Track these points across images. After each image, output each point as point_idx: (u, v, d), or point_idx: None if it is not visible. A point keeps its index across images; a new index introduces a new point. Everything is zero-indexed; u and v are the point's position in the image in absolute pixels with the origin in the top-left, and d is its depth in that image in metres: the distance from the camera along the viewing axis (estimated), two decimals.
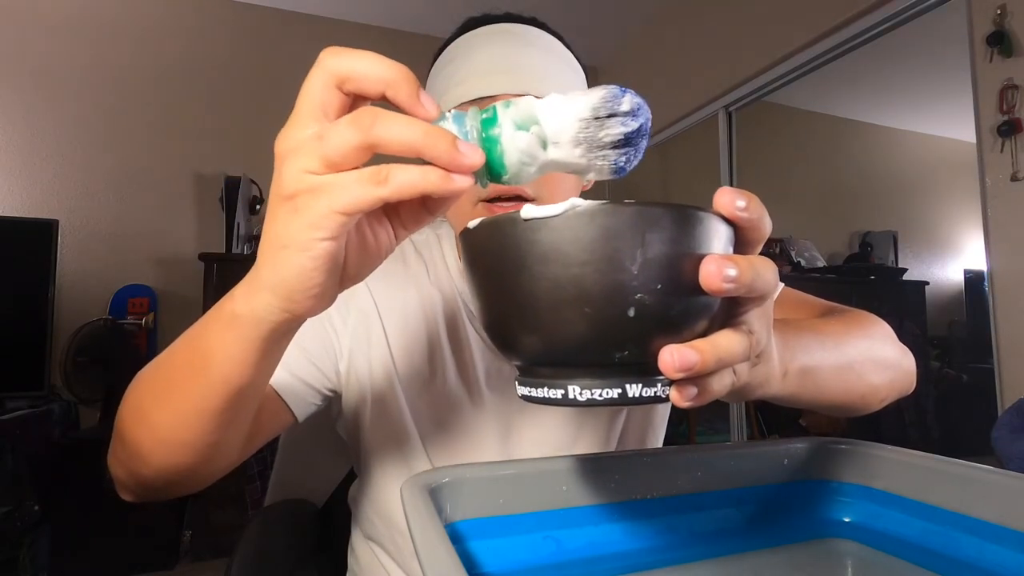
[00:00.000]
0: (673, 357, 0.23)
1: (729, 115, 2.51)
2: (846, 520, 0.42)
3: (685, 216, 0.23)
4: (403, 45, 3.04)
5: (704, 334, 0.25)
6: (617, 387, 0.24)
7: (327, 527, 0.75)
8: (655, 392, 0.25)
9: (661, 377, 0.24)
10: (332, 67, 0.28)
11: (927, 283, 3.57)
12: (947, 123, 3.68)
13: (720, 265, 0.23)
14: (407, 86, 0.29)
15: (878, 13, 1.83)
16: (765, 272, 0.25)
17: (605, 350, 0.23)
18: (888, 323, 0.52)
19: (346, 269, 0.30)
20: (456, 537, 0.32)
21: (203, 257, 2.17)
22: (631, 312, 0.22)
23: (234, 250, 2.30)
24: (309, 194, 0.27)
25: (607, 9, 2.79)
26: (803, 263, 3.43)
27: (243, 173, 2.42)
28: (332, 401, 0.58)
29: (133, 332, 2.30)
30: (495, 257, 0.24)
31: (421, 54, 2.58)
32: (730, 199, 0.25)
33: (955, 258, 3.85)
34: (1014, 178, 1.43)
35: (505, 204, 0.52)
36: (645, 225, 0.22)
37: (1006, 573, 0.32)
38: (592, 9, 2.80)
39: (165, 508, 2.04)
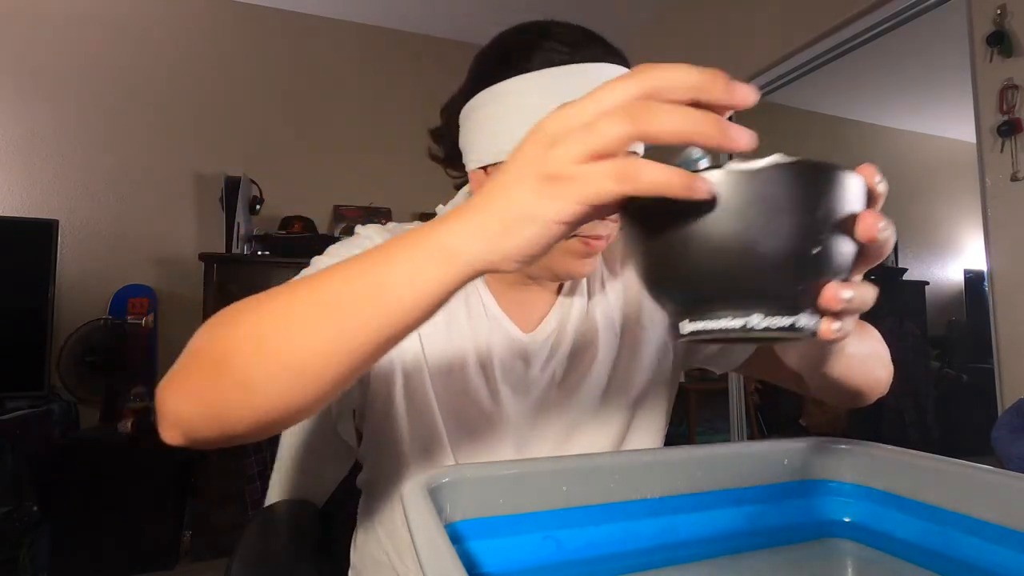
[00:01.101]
0: (837, 291, 0.28)
1: (729, 115, 2.51)
2: (846, 520, 0.42)
3: (854, 178, 0.30)
4: (403, 45, 3.04)
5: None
6: (790, 318, 0.28)
7: (327, 527, 0.75)
8: (814, 325, 0.29)
9: (815, 315, 0.29)
10: (649, 80, 0.27)
11: (927, 283, 3.57)
12: (947, 123, 3.68)
13: (876, 219, 0.28)
14: (719, 82, 0.28)
15: (878, 13, 1.83)
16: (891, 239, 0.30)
17: (788, 284, 0.28)
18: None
19: None
20: (456, 537, 0.32)
21: (203, 257, 2.17)
22: (814, 251, 0.27)
23: (234, 250, 2.30)
24: (568, 181, 0.28)
25: (606, 10, 2.79)
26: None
27: (243, 173, 2.42)
28: (350, 391, 0.57)
29: (133, 332, 2.30)
30: (710, 205, 0.27)
31: (421, 54, 2.58)
32: (871, 174, 0.31)
33: (955, 258, 3.86)
34: (1014, 178, 1.43)
35: (596, 241, 0.54)
36: (831, 180, 0.28)
37: (1006, 573, 0.32)
38: (591, 10, 2.80)
39: (165, 508, 2.04)
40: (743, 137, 0.27)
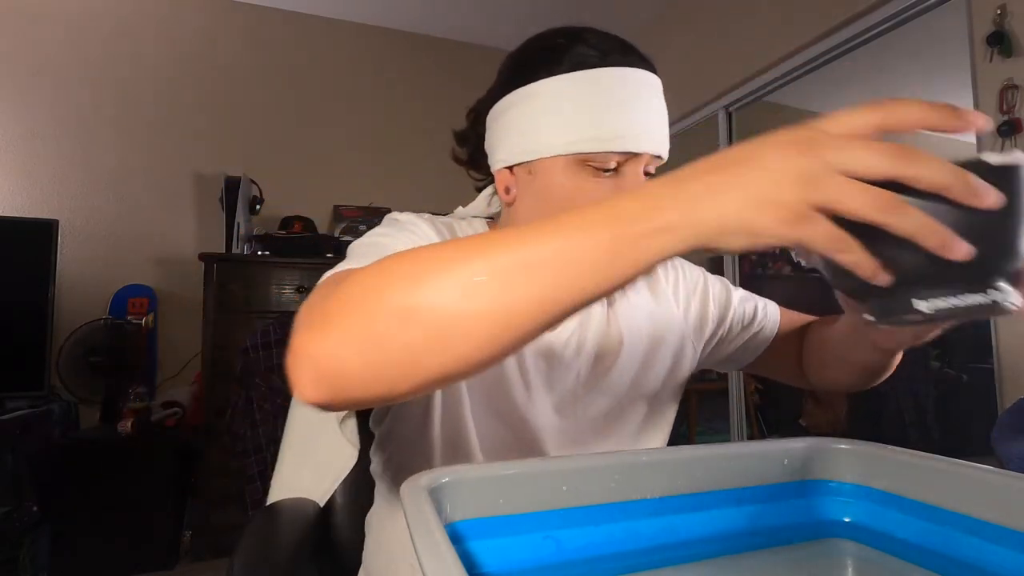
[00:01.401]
0: None
1: (729, 115, 2.51)
2: (846, 520, 0.42)
3: None
4: (403, 45, 3.04)
5: None
6: (1013, 294, 0.31)
7: (328, 527, 0.76)
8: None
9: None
10: (889, 114, 0.30)
11: None
12: None
13: None
14: (950, 113, 0.30)
15: (878, 13, 1.83)
16: None
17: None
18: None
19: None
20: (456, 537, 0.32)
21: (203, 257, 2.17)
22: None
23: (234, 250, 2.30)
24: (827, 187, 0.29)
25: (606, 9, 2.79)
26: (803, 263, 3.43)
27: (243, 173, 2.42)
28: None
29: (133, 332, 2.30)
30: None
31: (421, 54, 2.58)
32: None
33: None
34: None
35: None
36: None
37: (1006, 573, 0.32)
38: (591, 9, 2.80)
39: (165, 508, 2.04)
40: (990, 196, 0.28)
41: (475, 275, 0.33)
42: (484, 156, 0.65)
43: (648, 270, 0.32)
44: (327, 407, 0.37)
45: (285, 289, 2.27)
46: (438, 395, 0.58)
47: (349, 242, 2.52)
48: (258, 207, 2.52)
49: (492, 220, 0.69)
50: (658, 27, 2.89)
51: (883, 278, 0.30)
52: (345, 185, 2.85)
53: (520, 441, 0.60)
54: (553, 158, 0.56)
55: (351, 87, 2.93)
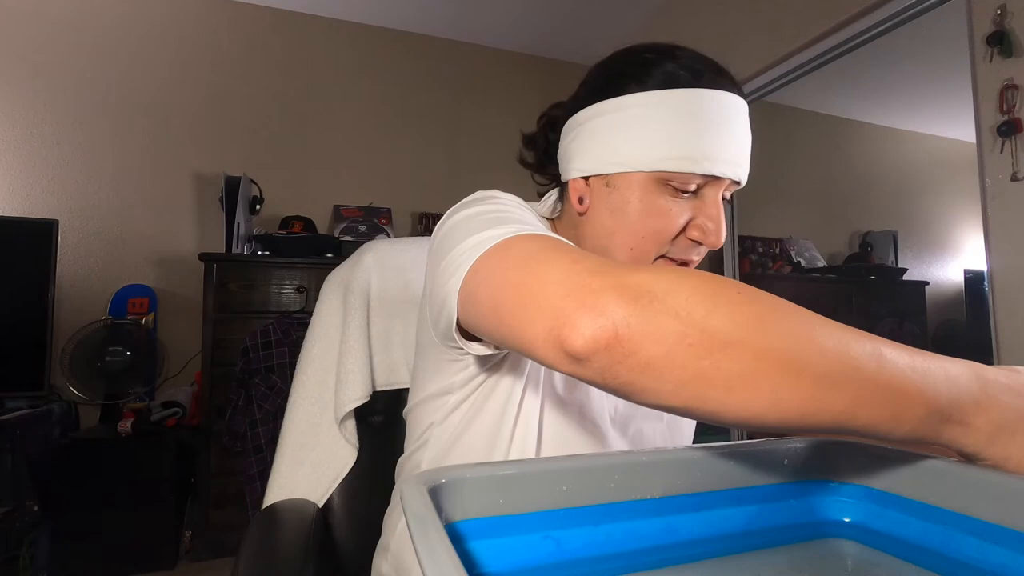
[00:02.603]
0: None
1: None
2: (846, 520, 0.42)
3: None
4: (403, 45, 3.04)
5: None
6: None
7: (328, 527, 0.76)
8: None
9: None
10: None
11: (927, 283, 3.57)
12: (947, 123, 3.68)
13: None
14: None
15: (878, 13, 1.83)
16: None
17: None
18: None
19: None
20: (456, 537, 0.32)
21: (203, 257, 2.17)
22: None
23: (234, 250, 2.30)
24: None
25: (606, 8, 2.79)
26: (803, 263, 3.43)
27: (243, 173, 2.42)
28: (465, 363, 0.55)
29: (133, 332, 2.30)
30: None
31: (421, 54, 2.58)
32: None
33: (955, 258, 3.86)
34: (1014, 178, 1.43)
35: (683, 268, 0.55)
36: None
37: (1006, 573, 0.32)
38: (590, 9, 2.81)
39: (165, 508, 2.04)
40: None
41: (806, 348, 0.32)
42: (552, 162, 0.65)
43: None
44: (673, 409, 0.35)
45: (285, 289, 2.27)
46: (516, 398, 0.57)
47: (349, 242, 2.50)
48: (258, 207, 2.52)
49: (551, 222, 0.67)
50: (657, 27, 2.89)
51: None
52: (345, 185, 2.85)
53: (576, 442, 0.61)
54: (634, 173, 0.56)
55: (351, 87, 2.93)
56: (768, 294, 0.35)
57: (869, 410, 0.32)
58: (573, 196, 0.61)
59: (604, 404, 0.63)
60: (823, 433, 0.34)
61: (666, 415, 0.68)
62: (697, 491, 0.39)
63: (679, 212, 0.55)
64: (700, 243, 0.57)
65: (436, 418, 0.61)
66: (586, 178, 0.60)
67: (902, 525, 0.38)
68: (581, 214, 0.62)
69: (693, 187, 0.55)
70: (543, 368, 0.59)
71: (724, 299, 0.33)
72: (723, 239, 0.55)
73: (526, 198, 0.62)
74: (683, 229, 0.56)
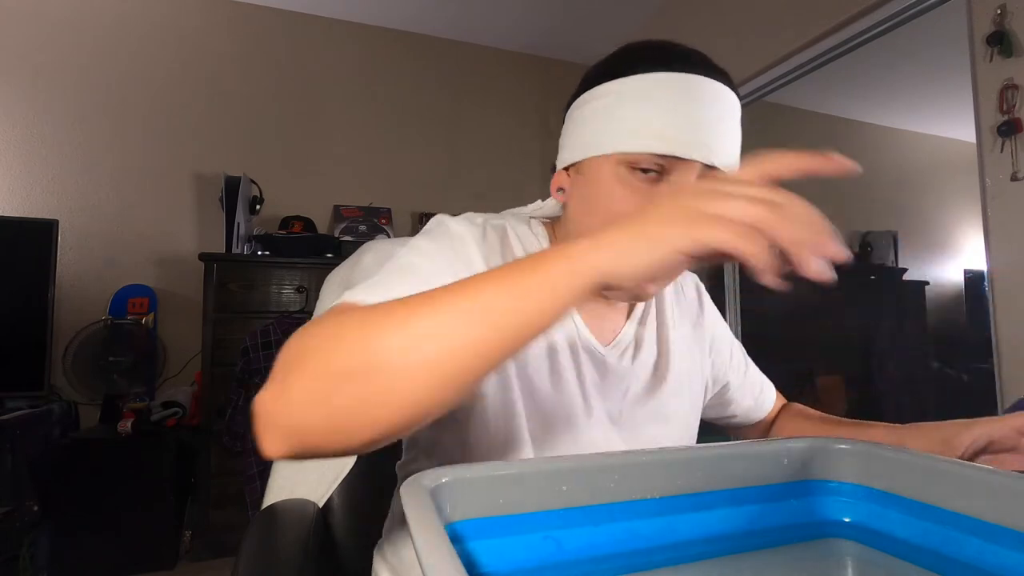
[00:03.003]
0: None
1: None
2: (846, 520, 0.42)
3: None
4: (403, 45, 3.04)
5: None
6: None
7: (328, 527, 0.76)
8: None
9: None
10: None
11: (927, 283, 3.57)
12: (947, 123, 3.68)
13: None
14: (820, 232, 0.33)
15: (878, 13, 1.83)
16: None
17: None
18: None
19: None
20: (456, 537, 0.32)
21: (203, 257, 2.17)
22: None
23: (234, 250, 2.30)
24: (699, 224, 0.32)
25: (605, 9, 2.79)
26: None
27: (243, 173, 2.42)
28: None
29: (133, 332, 2.30)
30: None
31: (421, 54, 2.58)
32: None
33: (955, 258, 3.85)
34: (1014, 178, 1.43)
35: None
36: None
37: (1006, 573, 0.32)
38: (590, 9, 2.81)
39: (165, 508, 2.04)
40: (841, 254, 0.32)
41: (411, 336, 0.35)
42: None
43: (561, 312, 0.35)
44: (292, 459, 0.39)
45: (285, 289, 2.27)
46: (490, 402, 0.58)
47: (349, 242, 2.51)
48: (258, 207, 2.52)
49: (551, 220, 0.68)
50: (658, 27, 2.89)
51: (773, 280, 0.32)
52: (345, 185, 2.85)
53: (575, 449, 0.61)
54: (600, 158, 0.56)
55: (351, 87, 2.93)
56: (336, 325, 0.38)
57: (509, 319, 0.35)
58: (553, 188, 0.63)
59: (599, 404, 0.63)
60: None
61: (671, 418, 0.67)
62: (697, 491, 0.39)
63: (645, 196, 0.54)
64: None
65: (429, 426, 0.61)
66: (567, 168, 0.61)
67: (902, 525, 0.38)
68: (564, 205, 0.64)
69: (657, 168, 0.54)
70: (529, 371, 0.59)
71: (310, 358, 0.37)
72: None
73: (527, 196, 0.62)
74: None
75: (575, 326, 0.63)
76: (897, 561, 0.37)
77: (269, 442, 0.38)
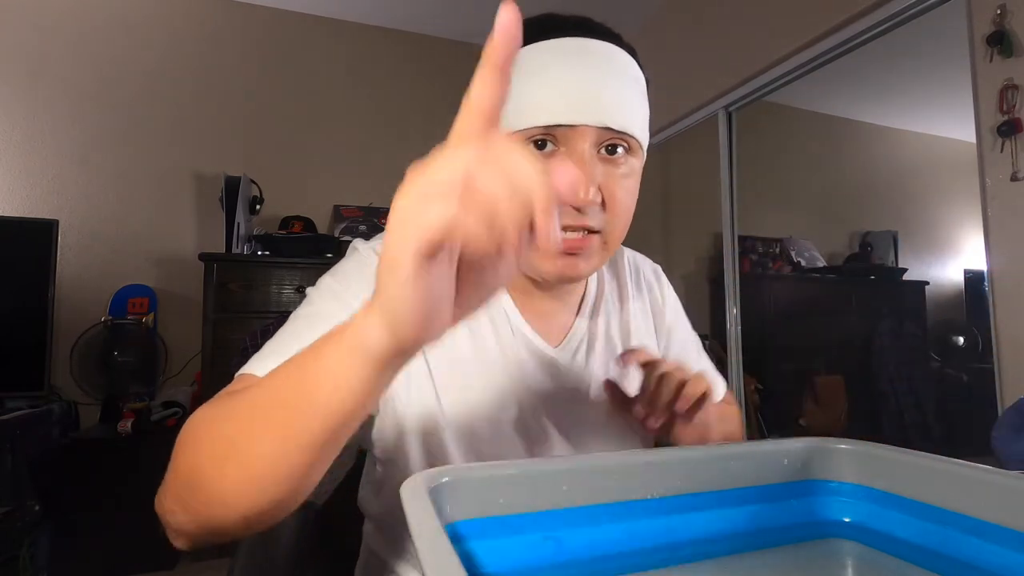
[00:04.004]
0: None
1: (729, 115, 2.51)
2: (846, 520, 0.42)
3: None
4: (403, 45, 3.04)
5: None
6: None
7: (328, 527, 0.75)
8: None
9: None
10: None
11: (927, 283, 3.57)
12: (947, 123, 3.68)
13: None
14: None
15: (878, 13, 1.83)
16: None
17: None
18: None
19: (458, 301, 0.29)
20: (456, 537, 0.32)
21: (203, 257, 2.17)
22: None
23: (234, 250, 2.30)
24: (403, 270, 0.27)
25: (606, 8, 2.79)
26: (803, 263, 3.43)
27: (243, 173, 2.42)
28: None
29: (133, 332, 2.30)
30: None
31: (421, 54, 2.58)
32: None
33: (955, 258, 3.85)
34: (1014, 178, 1.43)
35: (571, 236, 0.52)
36: None
37: (1006, 573, 0.32)
38: (591, 9, 2.80)
39: None
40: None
41: (218, 446, 0.37)
42: None
43: (362, 397, 0.32)
44: (199, 547, 0.41)
45: (285, 289, 2.27)
46: (413, 445, 0.55)
47: (349, 242, 2.52)
48: (258, 207, 2.52)
49: None
50: (658, 26, 2.89)
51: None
52: (345, 185, 2.85)
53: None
54: None
55: (351, 87, 2.93)
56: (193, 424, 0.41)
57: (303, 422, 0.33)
58: None
59: (551, 422, 0.59)
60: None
61: (613, 432, 0.63)
62: (697, 491, 0.39)
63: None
64: (569, 204, 0.50)
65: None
66: None
67: (902, 525, 0.38)
68: None
69: (549, 139, 0.51)
70: (466, 401, 0.56)
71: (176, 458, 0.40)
72: (585, 194, 0.48)
73: None
74: None
75: (514, 329, 0.59)
76: (897, 561, 0.37)
77: (172, 539, 0.41)
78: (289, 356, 0.36)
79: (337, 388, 0.31)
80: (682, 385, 0.50)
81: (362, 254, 0.57)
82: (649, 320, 0.71)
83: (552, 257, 0.52)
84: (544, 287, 0.60)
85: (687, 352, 0.74)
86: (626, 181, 0.54)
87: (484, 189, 0.26)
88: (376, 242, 0.59)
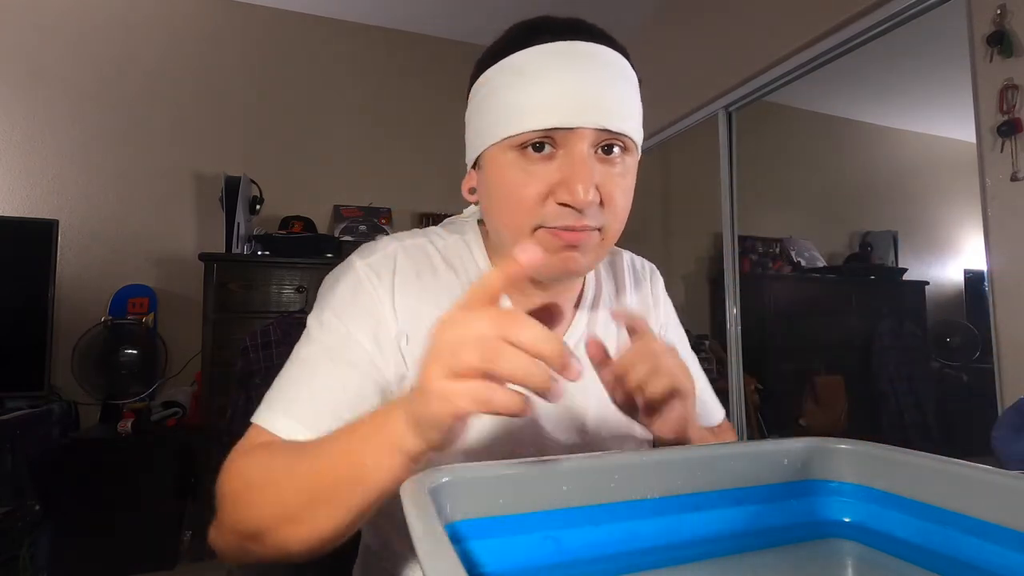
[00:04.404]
0: None
1: (729, 115, 2.51)
2: (846, 520, 0.42)
3: None
4: (403, 45, 3.04)
5: None
6: None
7: None
8: None
9: None
10: (504, 329, 0.35)
11: (927, 283, 3.57)
12: (947, 123, 3.68)
13: None
14: (556, 354, 0.35)
15: (878, 13, 1.83)
16: None
17: None
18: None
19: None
20: (456, 537, 0.32)
21: (203, 257, 2.17)
22: None
23: (234, 250, 2.30)
24: (443, 397, 0.35)
25: (606, 8, 2.79)
26: (803, 263, 3.43)
27: (243, 173, 2.42)
28: None
29: (133, 332, 2.30)
30: None
31: (421, 54, 2.58)
32: None
33: (955, 258, 3.85)
34: (1014, 178, 1.43)
35: (568, 233, 0.52)
36: None
37: (1006, 573, 0.32)
38: (591, 8, 2.80)
39: (165, 508, 2.04)
40: (559, 393, 0.34)
41: (281, 510, 0.45)
42: None
43: (400, 474, 0.40)
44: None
45: (285, 289, 2.27)
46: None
47: (349, 242, 2.50)
48: (258, 207, 2.52)
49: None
50: (658, 27, 2.89)
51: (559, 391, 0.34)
52: (345, 185, 2.85)
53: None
54: (492, 148, 0.54)
55: (351, 87, 2.93)
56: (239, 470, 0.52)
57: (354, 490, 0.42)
58: (465, 190, 0.62)
59: (551, 439, 0.59)
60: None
61: (610, 426, 0.63)
62: (697, 491, 0.39)
63: (539, 176, 0.51)
64: (569, 206, 0.50)
65: None
66: (475, 167, 0.60)
67: (902, 525, 0.38)
68: (479, 204, 0.62)
69: (547, 142, 0.51)
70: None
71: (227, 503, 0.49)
72: (585, 195, 0.49)
73: None
74: (553, 194, 0.51)
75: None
76: (897, 561, 0.37)
77: (231, 564, 0.51)
78: (304, 404, 0.52)
79: (381, 473, 0.41)
80: (652, 374, 0.50)
81: (359, 274, 0.58)
82: (647, 316, 0.71)
83: (552, 252, 0.52)
84: (542, 285, 0.60)
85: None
86: (622, 180, 0.54)
87: (508, 364, 0.34)
88: (372, 256, 0.59)
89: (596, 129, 0.51)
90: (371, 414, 0.43)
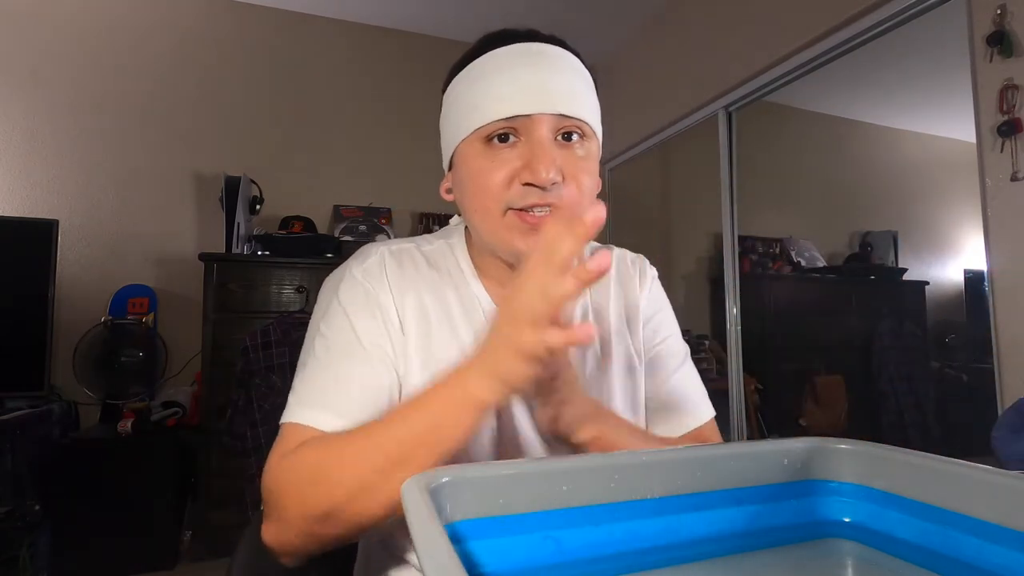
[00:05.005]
0: None
1: (729, 115, 2.51)
2: (846, 520, 0.42)
3: None
4: (403, 45, 3.04)
5: None
6: None
7: None
8: None
9: None
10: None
11: (927, 283, 3.57)
12: (947, 123, 3.68)
13: None
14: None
15: (878, 13, 1.83)
16: None
17: None
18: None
19: None
20: (456, 537, 0.32)
21: (203, 257, 2.17)
22: None
23: (234, 250, 2.30)
24: (535, 328, 0.41)
25: (607, 8, 2.79)
26: (803, 263, 3.43)
27: (243, 173, 2.42)
28: None
29: (133, 332, 2.30)
30: None
31: (421, 54, 2.58)
32: None
33: (955, 258, 3.85)
34: (1014, 178, 1.43)
35: (537, 213, 0.56)
36: None
37: (1006, 573, 0.32)
38: (592, 8, 2.80)
39: (165, 508, 2.04)
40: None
41: (355, 484, 0.46)
42: None
43: (476, 421, 0.45)
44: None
45: (285, 289, 2.27)
46: None
47: (349, 242, 2.50)
48: (258, 207, 2.52)
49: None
50: (658, 26, 2.89)
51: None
52: (345, 185, 2.85)
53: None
54: (461, 145, 0.59)
55: (351, 87, 2.93)
56: (308, 460, 0.50)
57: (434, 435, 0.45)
58: (442, 192, 0.65)
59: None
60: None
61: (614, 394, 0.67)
62: (697, 491, 0.39)
63: (504, 161, 0.56)
64: (533, 184, 0.54)
65: None
66: (450, 170, 0.64)
67: (902, 525, 0.38)
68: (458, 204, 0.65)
69: (510, 131, 0.56)
70: None
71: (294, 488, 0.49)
72: (547, 174, 0.53)
73: None
74: (518, 176, 0.56)
75: (488, 318, 0.62)
76: (897, 561, 0.37)
77: (289, 562, 0.52)
78: (338, 396, 0.54)
79: (460, 429, 0.45)
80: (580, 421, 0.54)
81: (356, 276, 0.61)
82: (634, 317, 0.70)
83: (523, 234, 0.56)
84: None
85: (667, 360, 0.70)
86: (584, 163, 0.58)
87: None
88: (366, 260, 0.63)
89: (553, 115, 0.55)
90: (441, 380, 0.46)
